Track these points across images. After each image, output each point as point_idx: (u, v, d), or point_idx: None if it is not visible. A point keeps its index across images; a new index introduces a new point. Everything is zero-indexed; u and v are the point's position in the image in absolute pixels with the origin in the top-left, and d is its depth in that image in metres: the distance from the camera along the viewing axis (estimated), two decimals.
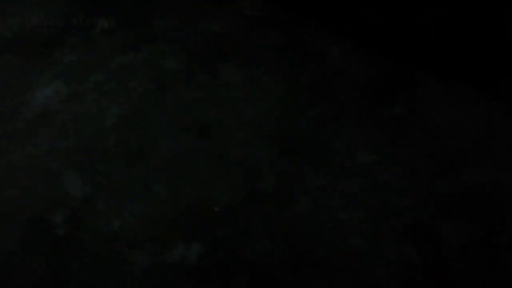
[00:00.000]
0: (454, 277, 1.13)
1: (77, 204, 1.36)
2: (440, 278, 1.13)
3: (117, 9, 2.12)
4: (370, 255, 1.20)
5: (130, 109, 1.67)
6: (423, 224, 1.24)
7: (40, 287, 1.20)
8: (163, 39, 1.96)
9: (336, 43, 1.83)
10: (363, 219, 1.27)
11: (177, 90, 1.73)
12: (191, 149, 1.51)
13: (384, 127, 1.49)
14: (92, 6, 2.14)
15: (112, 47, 1.96)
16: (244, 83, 1.72)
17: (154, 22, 2.04)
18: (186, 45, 1.91)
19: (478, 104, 1.54)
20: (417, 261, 1.17)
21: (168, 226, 1.28)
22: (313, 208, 1.32)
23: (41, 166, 1.50)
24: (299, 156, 1.45)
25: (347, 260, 1.19)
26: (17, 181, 1.46)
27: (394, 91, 1.59)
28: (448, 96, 1.57)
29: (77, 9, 2.14)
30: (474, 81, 1.59)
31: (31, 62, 1.91)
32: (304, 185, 1.37)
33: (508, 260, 1.15)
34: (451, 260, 1.16)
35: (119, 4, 2.14)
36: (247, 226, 1.28)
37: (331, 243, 1.23)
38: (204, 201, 1.35)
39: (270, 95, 1.66)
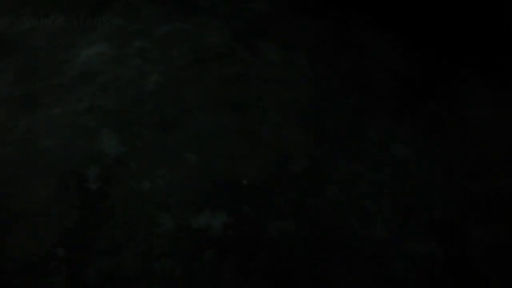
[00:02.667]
0: (476, 277, 1.12)
1: (111, 162, 1.39)
2: (462, 276, 1.12)
3: None
4: (394, 245, 1.19)
5: (169, 78, 1.69)
6: (451, 222, 1.23)
7: (69, 237, 1.24)
8: (207, 13, 1.97)
9: (380, 33, 1.81)
10: (391, 210, 1.26)
11: (217, 64, 1.74)
12: (225, 124, 1.53)
13: (421, 121, 1.47)
14: None
15: (157, 15, 1.98)
16: (283, 65, 1.72)
17: None
18: (229, 22, 1.92)
19: None
20: (440, 256, 1.17)
21: (196, 194, 1.31)
22: (341, 195, 1.32)
23: (80, 122, 1.54)
24: (332, 143, 1.45)
25: (370, 248, 1.19)
26: (55, 134, 1.51)
27: (435, 87, 1.56)
28: (491, 98, 1.53)
29: None
30: None
31: (78, 22, 1.96)
32: (335, 172, 1.37)
33: None
34: (475, 260, 1.15)
35: None
36: (273, 204, 1.29)
37: (357, 230, 1.23)
38: (233, 175, 1.36)
39: (308, 80, 1.65)
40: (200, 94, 1.63)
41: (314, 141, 1.45)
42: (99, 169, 1.38)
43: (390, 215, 1.27)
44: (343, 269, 1.16)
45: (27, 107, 1.62)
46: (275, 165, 1.39)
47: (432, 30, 1.76)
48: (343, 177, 1.35)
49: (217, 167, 1.38)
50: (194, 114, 1.56)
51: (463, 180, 1.33)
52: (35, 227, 1.26)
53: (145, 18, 1.97)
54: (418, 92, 1.58)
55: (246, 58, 1.75)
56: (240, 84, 1.65)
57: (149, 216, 1.27)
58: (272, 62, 1.73)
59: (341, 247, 1.20)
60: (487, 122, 1.47)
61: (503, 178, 1.32)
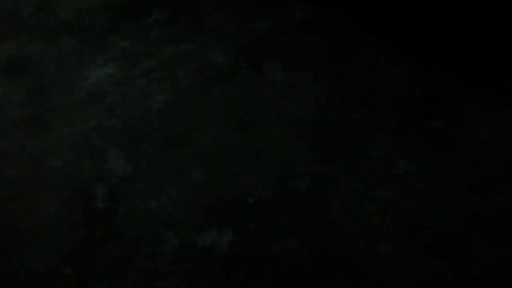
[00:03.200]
0: None
1: (118, 181, 1.41)
2: None
3: (170, 2, 2.19)
4: (398, 264, 1.19)
5: (175, 98, 1.72)
6: (456, 240, 1.23)
7: (74, 254, 1.26)
8: (212, 33, 2.02)
9: (383, 53, 1.83)
10: (395, 228, 1.26)
11: (222, 83, 1.77)
12: (230, 142, 1.55)
13: (424, 139, 1.48)
14: None
15: (163, 37, 2.03)
16: (287, 84, 1.74)
17: (205, 16, 2.10)
18: (234, 41, 1.96)
19: None
20: (446, 276, 1.16)
21: (202, 212, 1.32)
22: (344, 212, 1.32)
23: (87, 142, 1.57)
24: (336, 161, 1.46)
25: (374, 266, 1.19)
26: (63, 153, 1.54)
27: (438, 106, 1.58)
28: (494, 116, 1.54)
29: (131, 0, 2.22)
30: None
31: (86, 45, 2.01)
32: (338, 189, 1.38)
33: None
34: (482, 279, 1.14)
35: None
36: (277, 222, 1.30)
37: (360, 248, 1.23)
38: (238, 192, 1.38)
39: (312, 98, 1.68)
40: (205, 112, 1.66)
41: (319, 159, 1.47)
42: (106, 188, 1.40)
43: (395, 233, 1.27)
44: (348, 287, 1.16)
45: (36, 127, 1.66)
46: (280, 182, 1.40)
47: (434, 50, 1.79)
48: (348, 195, 1.36)
49: (222, 185, 1.40)
50: (199, 132, 1.59)
51: (468, 197, 1.33)
52: (41, 245, 1.27)
53: (152, 40, 2.02)
54: (421, 111, 1.59)
55: (250, 77, 1.78)
56: (244, 103, 1.68)
57: (154, 234, 1.28)
58: (276, 81, 1.76)
59: (346, 265, 1.20)
60: (490, 139, 1.47)
61: (508, 195, 1.32)
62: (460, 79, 1.67)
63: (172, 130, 1.59)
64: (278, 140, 1.54)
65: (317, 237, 1.26)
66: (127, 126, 1.61)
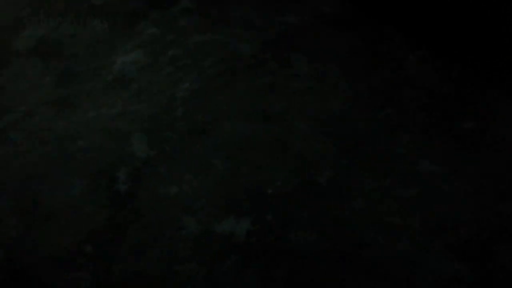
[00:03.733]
0: None
1: (141, 165, 1.43)
2: None
3: None
4: (418, 263, 1.17)
5: (200, 86, 1.73)
6: (480, 243, 1.20)
7: (95, 235, 1.28)
8: (239, 24, 2.02)
9: (413, 50, 1.80)
10: (417, 228, 1.24)
11: (247, 74, 1.77)
12: (253, 133, 1.55)
13: (452, 140, 1.44)
14: None
15: (190, 25, 2.03)
16: (313, 77, 1.73)
17: (233, 7, 2.09)
18: (261, 33, 1.95)
19: None
20: (467, 279, 1.13)
21: (222, 200, 1.33)
22: (366, 209, 1.31)
23: (112, 125, 1.59)
24: (360, 157, 1.45)
25: (393, 264, 1.18)
26: (90, 135, 1.57)
27: (468, 105, 1.54)
28: None
29: None
30: None
31: (116, 30, 2.03)
32: (360, 186, 1.37)
33: None
34: (504, 285, 1.11)
35: None
36: (297, 214, 1.30)
37: (380, 245, 1.22)
38: (260, 183, 1.38)
39: (339, 93, 1.66)
40: (229, 103, 1.66)
41: (342, 154, 1.45)
42: (129, 171, 1.42)
43: (416, 232, 1.25)
44: (364, 284, 1.15)
45: (64, 108, 1.69)
46: (301, 176, 1.39)
47: (466, 48, 1.74)
48: (370, 192, 1.34)
49: (243, 175, 1.40)
50: (223, 122, 1.59)
51: (494, 201, 1.30)
52: (65, 223, 1.30)
53: (179, 28, 2.03)
54: (450, 110, 1.55)
55: (276, 69, 1.78)
56: (269, 95, 1.67)
57: (174, 219, 1.29)
58: (302, 74, 1.74)
59: (364, 262, 1.19)
60: None
61: None
62: (493, 78, 1.62)
63: (196, 119, 1.60)
64: (302, 133, 1.53)
65: (337, 232, 1.25)
66: (152, 112, 1.63)
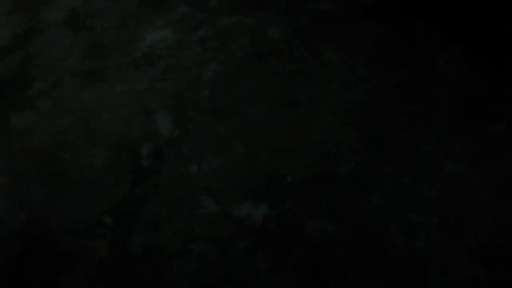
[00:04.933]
0: None
1: (164, 142, 1.44)
2: None
3: None
4: (434, 262, 1.16)
5: (227, 69, 1.73)
6: (499, 248, 1.17)
7: (117, 207, 1.30)
8: (271, 8, 1.99)
9: (447, 47, 1.75)
10: (436, 227, 1.22)
11: (275, 60, 1.75)
12: (276, 119, 1.54)
13: (480, 141, 1.41)
14: None
15: (222, 6, 2.02)
16: (341, 67, 1.70)
17: None
18: (292, 19, 1.92)
19: None
20: (483, 281, 1.12)
21: (241, 183, 1.33)
22: (385, 204, 1.29)
23: (139, 101, 1.61)
24: (383, 151, 1.43)
25: (409, 262, 1.16)
26: (115, 109, 1.59)
27: (499, 107, 1.49)
28: None
29: None
30: None
31: (148, 6, 2.04)
32: (382, 180, 1.35)
33: None
34: None
35: None
36: (316, 203, 1.29)
37: (397, 241, 1.20)
38: (279, 169, 1.37)
39: (366, 85, 1.63)
40: (255, 87, 1.65)
41: (364, 146, 1.43)
42: (151, 147, 1.43)
43: (435, 231, 1.23)
44: (378, 279, 1.14)
45: (92, 81, 1.71)
46: (322, 165, 1.39)
47: (501, 48, 1.68)
48: (390, 186, 1.33)
49: (263, 160, 1.40)
50: (247, 105, 1.59)
51: None
52: (87, 193, 1.33)
53: (210, 8, 2.02)
54: (480, 111, 1.51)
55: (304, 57, 1.76)
56: (296, 82, 1.66)
57: (193, 198, 1.30)
58: (330, 63, 1.72)
59: (379, 256, 1.18)
60: None
61: None
62: None
63: (221, 100, 1.60)
64: (325, 122, 1.51)
65: (353, 224, 1.24)
66: (177, 91, 1.63)
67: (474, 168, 1.34)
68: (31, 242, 1.25)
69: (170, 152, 1.41)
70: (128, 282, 1.14)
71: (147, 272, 1.15)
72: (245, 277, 1.13)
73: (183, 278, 1.14)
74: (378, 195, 1.31)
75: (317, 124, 1.51)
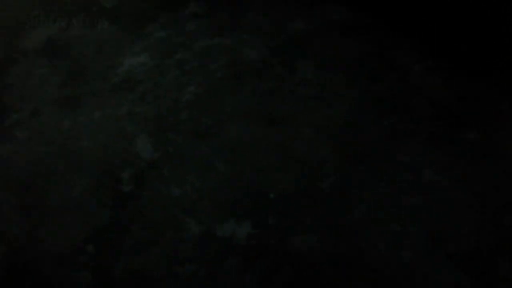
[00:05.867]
0: None
1: (145, 166, 1.44)
2: None
3: None
4: (419, 272, 1.17)
5: (206, 90, 1.74)
6: (481, 255, 1.19)
7: (99, 234, 1.29)
8: (247, 29, 2.03)
9: (419, 59, 1.80)
10: (419, 237, 1.24)
11: (254, 79, 1.78)
12: (257, 137, 1.55)
13: (456, 150, 1.44)
14: None
15: (198, 30, 2.05)
16: (319, 83, 1.74)
17: (241, 12, 2.11)
18: (268, 39, 1.96)
19: None
20: None
21: (224, 202, 1.33)
22: (368, 216, 1.30)
23: (118, 126, 1.60)
24: (363, 164, 1.45)
25: (394, 272, 1.17)
26: (94, 135, 1.58)
27: (472, 116, 1.54)
28: None
29: None
30: None
31: (125, 32, 2.05)
32: (363, 192, 1.37)
33: None
34: None
35: None
36: (299, 219, 1.30)
37: (381, 253, 1.21)
38: (262, 187, 1.38)
39: (344, 100, 1.66)
40: (235, 106, 1.67)
41: (345, 160, 1.45)
42: (133, 172, 1.43)
43: (417, 241, 1.25)
44: None
45: (71, 108, 1.71)
46: (303, 180, 1.40)
47: (472, 60, 1.74)
48: (372, 199, 1.34)
49: (246, 178, 1.40)
50: (228, 125, 1.60)
51: (497, 212, 1.29)
52: (68, 222, 1.31)
53: (187, 32, 2.04)
54: (455, 120, 1.55)
55: (282, 75, 1.78)
56: (275, 100, 1.68)
57: (176, 220, 1.29)
58: (308, 80, 1.75)
59: (365, 268, 1.18)
60: None
61: None
62: (500, 90, 1.62)
63: (201, 121, 1.61)
64: (306, 138, 1.53)
65: (338, 237, 1.24)
66: (157, 114, 1.64)
67: (451, 176, 1.37)
68: (12, 273, 1.22)
69: (151, 175, 1.41)
70: None
71: None
72: None
73: None
74: (360, 207, 1.32)
75: (297, 141, 1.53)
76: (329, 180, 1.40)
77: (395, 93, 1.67)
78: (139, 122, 1.61)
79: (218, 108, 1.66)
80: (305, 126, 1.57)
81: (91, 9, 2.19)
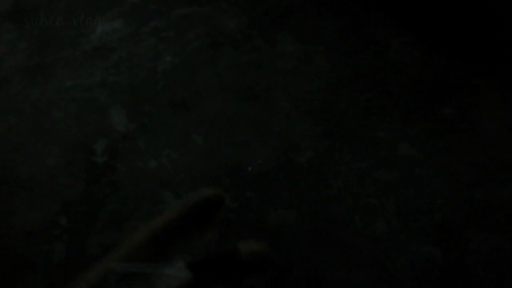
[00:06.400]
0: (474, 283, 1.12)
1: (119, 138, 1.40)
2: (460, 282, 1.12)
3: None
4: (393, 245, 1.19)
5: (182, 60, 1.69)
6: (452, 228, 1.23)
7: (72, 207, 1.25)
8: None
9: (397, 35, 1.79)
10: (393, 210, 1.26)
11: (231, 50, 1.74)
12: (235, 111, 1.53)
13: (431, 125, 1.46)
14: None
15: None
16: (298, 57, 1.71)
17: None
18: (248, 9, 1.91)
19: None
20: (439, 261, 1.17)
21: (201, 176, 1.31)
22: (344, 190, 1.32)
23: (91, 96, 1.55)
24: (340, 139, 1.45)
25: (369, 245, 1.20)
26: (66, 106, 1.52)
27: (448, 92, 1.55)
28: (504, 106, 1.52)
29: None
30: None
31: None
32: (340, 167, 1.37)
33: None
34: (474, 268, 1.15)
35: None
36: (277, 193, 1.30)
37: (357, 226, 1.23)
38: (239, 161, 1.37)
39: (322, 74, 1.65)
40: (212, 78, 1.63)
41: (323, 135, 1.45)
42: (106, 143, 1.39)
43: (392, 215, 1.27)
44: (340, 264, 1.16)
45: (40, 77, 1.63)
46: (281, 155, 1.39)
47: (449, 36, 1.75)
48: (349, 173, 1.35)
49: (223, 152, 1.39)
50: (205, 97, 1.56)
51: (468, 187, 1.33)
52: (39, 195, 1.27)
53: None
54: (431, 96, 1.57)
55: (261, 47, 1.75)
56: (253, 72, 1.65)
57: (153, 193, 1.27)
58: (287, 53, 1.72)
59: (340, 242, 1.20)
60: (497, 131, 1.46)
61: (509, 187, 1.31)
62: (475, 67, 1.64)
63: (177, 93, 1.57)
64: (284, 113, 1.52)
65: (315, 212, 1.25)
66: (131, 84, 1.58)
67: (426, 152, 1.39)
68: None
69: (126, 148, 1.37)
70: None
71: None
72: None
73: None
74: (337, 182, 1.33)
75: (275, 115, 1.52)
76: (307, 154, 1.40)
77: (373, 68, 1.67)
78: (113, 92, 1.56)
79: (196, 80, 1.62)
80: (283, 100, 1.56)
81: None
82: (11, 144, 1.43)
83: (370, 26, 1.83)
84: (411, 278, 1.14)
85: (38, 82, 1.62)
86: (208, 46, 1.73)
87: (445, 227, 1.23)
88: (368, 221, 1.24)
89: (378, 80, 1.63)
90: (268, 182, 1.32)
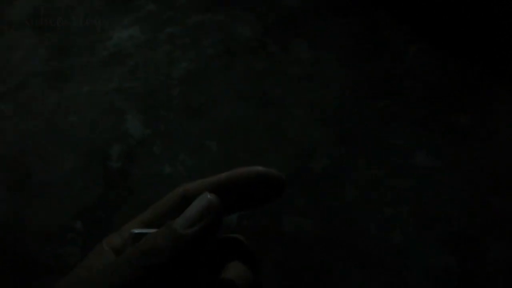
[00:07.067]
0: None
1: (135, 143, 1.41)
2: None
3: None
4: (409, 255, 1.18)
5: (198, 67, 1.70)
6: (470, 237, 1.21)
7: (87, 211, 1.26)
8: (241, 6, 1.98)
9: (414, 41, 1.78)
10: (409, 219, 1.24)
11: (246, 57, 1.74)
12: (249, 117, 1.53)
13: (448, 133, 1.44)
14: None
15: (190, 4, 1.99)
16: (312, 64, 1.71)
17: None
18: (262, 16, 1.92)
19: None
20: (456, 270, 1.14)
21: None
22: (359, 198, 1.30)
23: (107, 101, 1.56)
24: (355, 146, 1.44)
25: (385, 254, 1.18)
26: (82, 111, 1.54)
27: (466, 99, 1.53)
28: None
29: None
30: None
31: (113, 5, 1.98)
32: (355, 175, 1.36)
33: None
34: (492, 277, 1.13)
35: None
36: (290, 200, 1.29)
37: (372, 235, 1.22)
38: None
39: (337, 81, 1.64)
40: (227, 85, 1.64)
41: (337, 142, 1.44)
42: (122, 149, 1.40)
43: (408, 223, 1.25)
44: (355, 272, 1.15)
45: (58, 82, 1.65)
46: (296, 162, 1.39)
47: (466, 42, 1.73)
48: (364, 181, 1.34)
49: (237, 158, 1.39)
50: (220, 104, 1.57)
51: (487, 195, 1.30)
52: (56, 199, 1.28)
53: (178, 6, 1.98)
54: (448, 103, 1.55)
55: (276, 54, 1.75)
56: (267, 79, 1.65)
57: None
58: (301, 60, 1.72)
59: (355, 250, 1.19)
60: None
61: None
62: (493, 73, 1.62)
63: (193, 99, 1.58)
64: (299, 120, 1.52)
65: (330, 220, 1.24)
66: (147, 90, 1.60)
67: (443, 159, 1.38)
68: None
69: (141, 153, 1.38)
70: None
71: None
72: None
73: None
74: (353, 190, 1.32)
75: (290, 121, 1.51)
76: (322, 162, 1.39)
77: (388, 75, 1.66)
78: (129, 98, 1.57)
79: (210, 86, 1.63)
80: (298, 107, 1.55)
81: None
82: (29, 148, 1.45)
83: (384, 32, 1.83)
84: (427, 286, 1.12)
85: (56, 87, 1.65)
86: (223, 53, 1.74)
87: (463, 236, 1.21)
88: (384, 229, 1.23)
89: (393, 87, 1.62)
90: None
